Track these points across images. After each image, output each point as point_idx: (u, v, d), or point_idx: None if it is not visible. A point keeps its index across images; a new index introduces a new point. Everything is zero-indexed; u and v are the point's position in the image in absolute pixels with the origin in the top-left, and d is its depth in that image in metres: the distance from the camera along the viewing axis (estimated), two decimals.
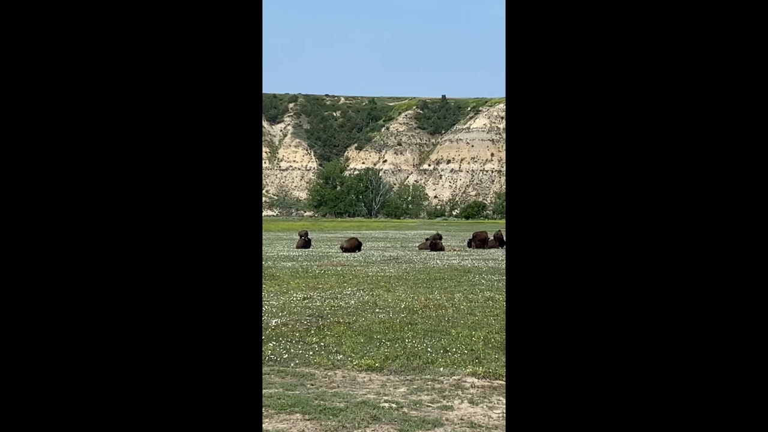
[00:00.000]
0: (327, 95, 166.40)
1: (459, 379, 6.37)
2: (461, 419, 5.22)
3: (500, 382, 6.29)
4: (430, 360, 7.08)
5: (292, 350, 7.52)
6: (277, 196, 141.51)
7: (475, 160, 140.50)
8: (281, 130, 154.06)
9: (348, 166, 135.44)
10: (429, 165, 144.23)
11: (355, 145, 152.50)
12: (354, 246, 24.76)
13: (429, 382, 6.26)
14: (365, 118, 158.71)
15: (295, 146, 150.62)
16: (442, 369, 6.73)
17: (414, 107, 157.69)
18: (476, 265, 19.41)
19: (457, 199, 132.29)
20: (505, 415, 5.33)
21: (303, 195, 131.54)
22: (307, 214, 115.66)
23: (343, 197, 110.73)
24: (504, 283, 14.31)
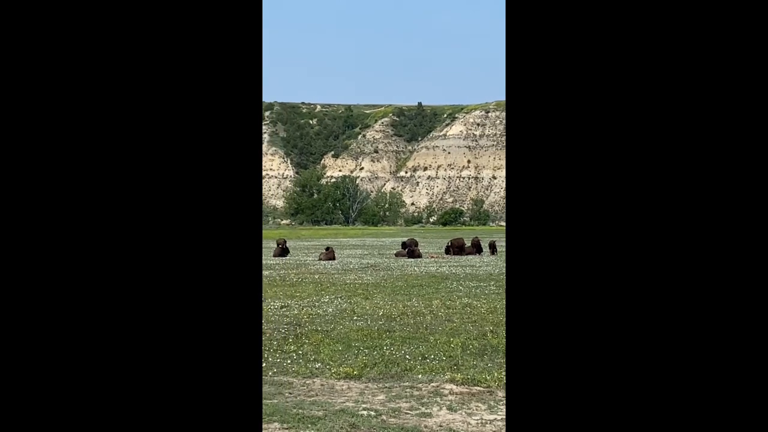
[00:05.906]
0: (303, 103, 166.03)
1: (437, 386, 6.37)
2: (440, 426, 5.23)
3: (478, 388, 6.30)
4: (408, 367, 7.08)
5: (270, 359, 7.49)
6: None
7: (451, 167, 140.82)
8: None
9: (325, 173, 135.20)
10: (406, 172, 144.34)
11: (332, 152, 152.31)
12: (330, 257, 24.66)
13: (407, 390, 6.25)
14: (341, 126, 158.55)
15: (272, 154, 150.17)
16: (420, 376, 6.73)
17: (390, 114, 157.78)
18: (454, 271, 19.44)
19: (434, 206, 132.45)
20: (483, 421, 5.35)
21: (280, 203, 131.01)
22: (284, 222, 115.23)
23: (320, 205, 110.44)
24: (481, 290, 14.40)
